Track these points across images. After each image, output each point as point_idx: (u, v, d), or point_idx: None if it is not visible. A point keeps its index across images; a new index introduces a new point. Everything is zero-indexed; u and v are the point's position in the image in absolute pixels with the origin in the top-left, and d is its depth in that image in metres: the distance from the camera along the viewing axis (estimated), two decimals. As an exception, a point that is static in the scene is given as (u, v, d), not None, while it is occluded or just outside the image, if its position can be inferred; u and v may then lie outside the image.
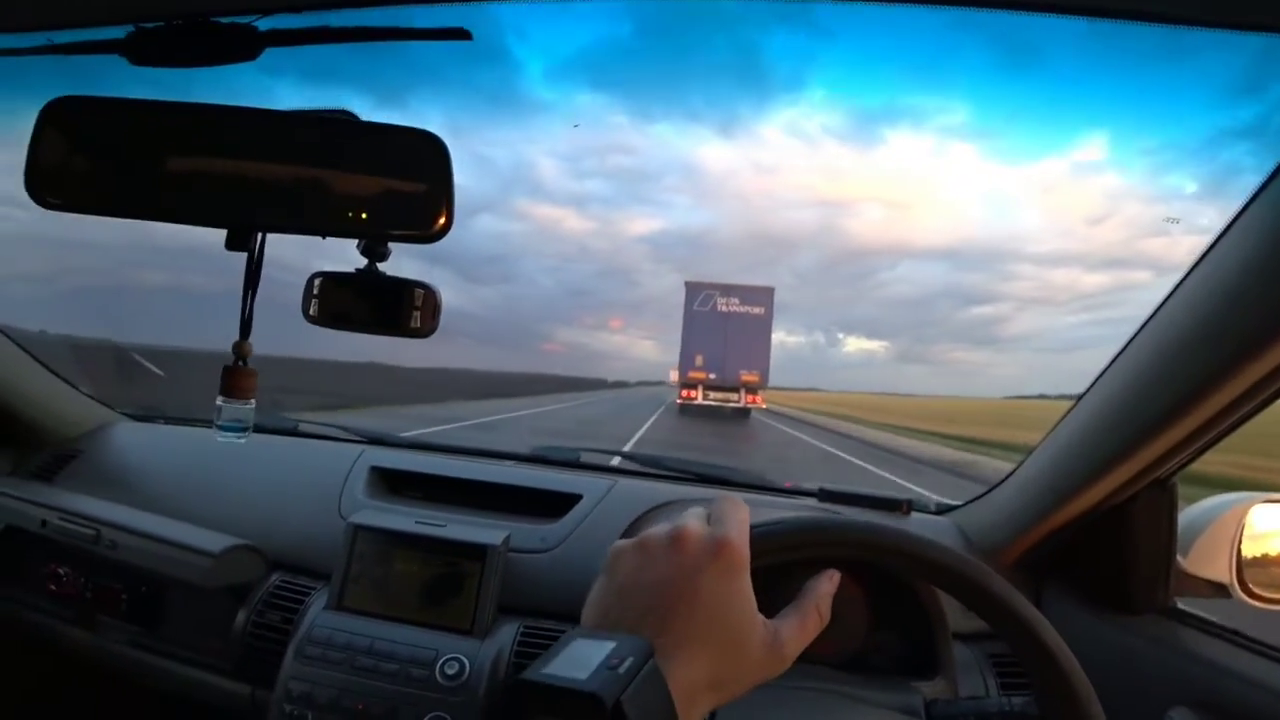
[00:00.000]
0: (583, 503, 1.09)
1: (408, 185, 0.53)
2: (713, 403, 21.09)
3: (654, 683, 0.35)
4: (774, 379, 22.96)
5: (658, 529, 0.42)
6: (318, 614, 0.94)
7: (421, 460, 1.25)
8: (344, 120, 0.55)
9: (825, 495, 1.17)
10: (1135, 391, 0.75)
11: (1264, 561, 0.85)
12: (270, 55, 0.56)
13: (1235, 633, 0.80)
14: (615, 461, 1.37)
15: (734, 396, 21.29)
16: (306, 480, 1.19)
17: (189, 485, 1.21)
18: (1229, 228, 0.62)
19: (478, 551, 0.93)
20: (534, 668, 0.35)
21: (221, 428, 0.58)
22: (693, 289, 22.76)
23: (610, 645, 0.35)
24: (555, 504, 1.09)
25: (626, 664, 0.34)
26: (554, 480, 1.16)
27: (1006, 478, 1.05)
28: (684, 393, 21.41)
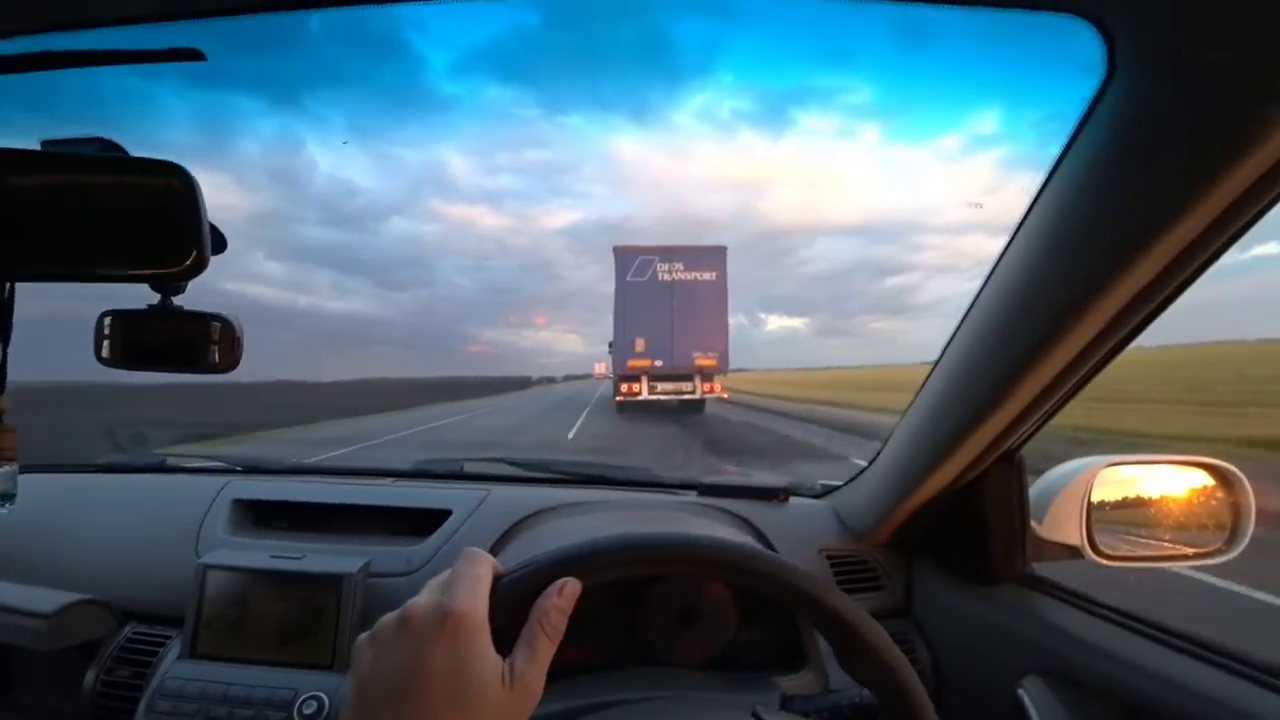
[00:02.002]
0: (452, 518, 1.06)
1: (157, 221, 0.49)
2: (661, 396, 16.55)
3: None
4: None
5: (390, 616, 0.42)
6: (171, 665, 0.89)
7: (290, 488, 1.19)
8: (87, 156, 0.51)
9: (703, 489, 1.18)
10: (966, 372, 0.76)
11: (1109, 522, 0.89)
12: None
13: (1086, 599, 0.83)
14: (502, 469, 1.34)
15: (687, 386, 16.65)
16: (165, 521, 1.12)
17: (32, 539, 1.11)
18: (1032, 206, 0.61)
19: (334, 582, 0.90)
20: None
21: None
22: (624, 255, 17.19)
23: None
24: (424, 521, 1.06)
25: None
26: (425, 497, 1.13)
27: (874, 458, 1.05)
28: (624, 387, 16.53)
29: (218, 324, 0.63)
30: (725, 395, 17.69)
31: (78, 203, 0.49)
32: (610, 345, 19.97)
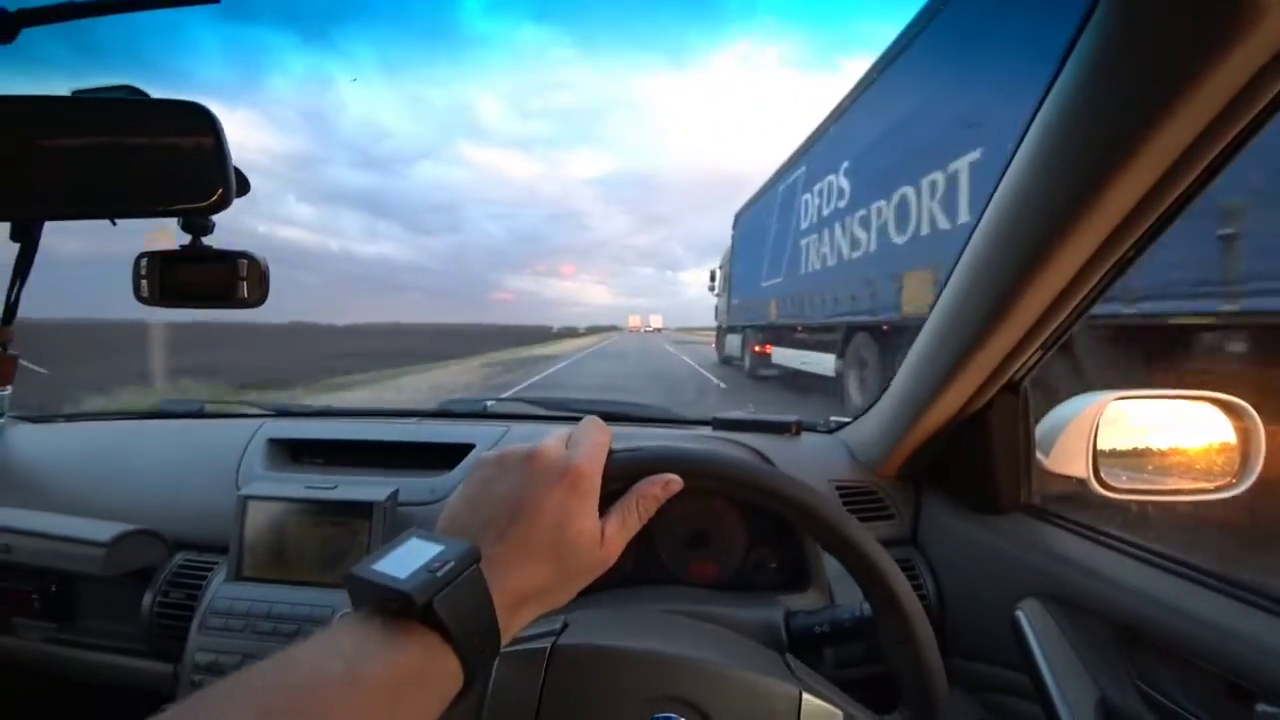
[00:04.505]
0: (475, 451, 1.12)
1: (183, 159, 0.53)
2: None
3: (473, 588, 0.36)
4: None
5: (520, 445, 0.45)
6: (219, 586, 0.97)
7: (320, 427, 1.26)
8: (116, 100, 0.55)
9: (719, 423, 1.22)
10: (965, 300, 0.76)
11: (1116, 455, 0.88)
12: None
13: (1085, 526, 0.84)
14: (524, 409, 1.40)
15: None
16: (207, 459, 1.20)
17: (89, 480, 1.20)
18: (1025, 131, 0.61)
19: (364, 509, 0.96)
20: (364, 563, 0.36)
21: None
22: None
23: (438, 549, 0.37)
24: (448, 455, 1.12)
25: (447, 568, 0.35)
26: (449, 433, 1.19)
27: (883, 392, 1.06)
28: None
29: (245, 261, 0.68)
30: None
31: (108, 145, 0.53)
32: (711, 280, 12.99)
